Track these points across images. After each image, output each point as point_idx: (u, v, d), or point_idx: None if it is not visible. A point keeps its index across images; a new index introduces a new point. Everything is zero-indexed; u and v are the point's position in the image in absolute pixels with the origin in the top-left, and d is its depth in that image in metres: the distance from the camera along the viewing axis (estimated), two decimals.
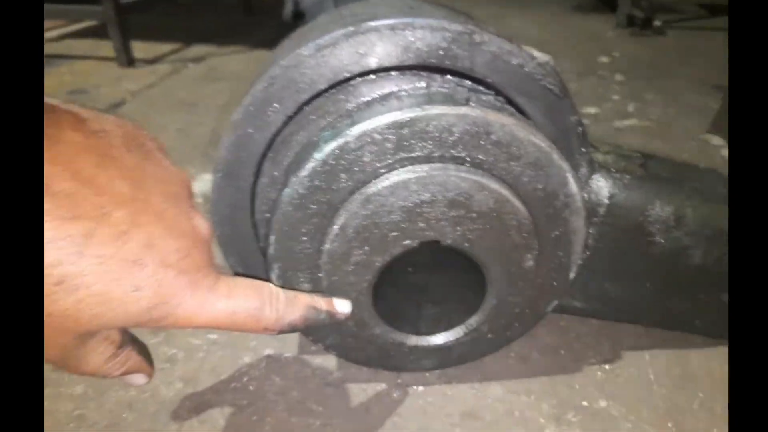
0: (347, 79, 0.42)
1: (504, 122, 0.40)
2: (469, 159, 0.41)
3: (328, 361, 0.57)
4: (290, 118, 0.43)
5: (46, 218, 0.24)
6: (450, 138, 0.40)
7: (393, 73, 0.43)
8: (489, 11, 2.30)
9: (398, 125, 0.39)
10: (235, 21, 2.13)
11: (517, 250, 0.45)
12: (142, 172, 0.29)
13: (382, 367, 0.54)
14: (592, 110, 1.26)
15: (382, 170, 0.41)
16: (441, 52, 0.42)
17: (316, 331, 0.50)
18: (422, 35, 0.41)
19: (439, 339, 0.50)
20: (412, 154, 0.41)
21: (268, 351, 0.59)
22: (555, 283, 0.49)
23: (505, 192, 0.42)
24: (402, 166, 0.41)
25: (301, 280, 0.46)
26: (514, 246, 0.45)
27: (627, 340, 0.60)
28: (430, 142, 0.40)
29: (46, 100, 0.27)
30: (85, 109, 0.29)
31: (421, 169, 0.41)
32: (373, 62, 0.41)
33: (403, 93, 0.42)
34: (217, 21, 2.13)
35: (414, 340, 0.50)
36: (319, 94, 0.43)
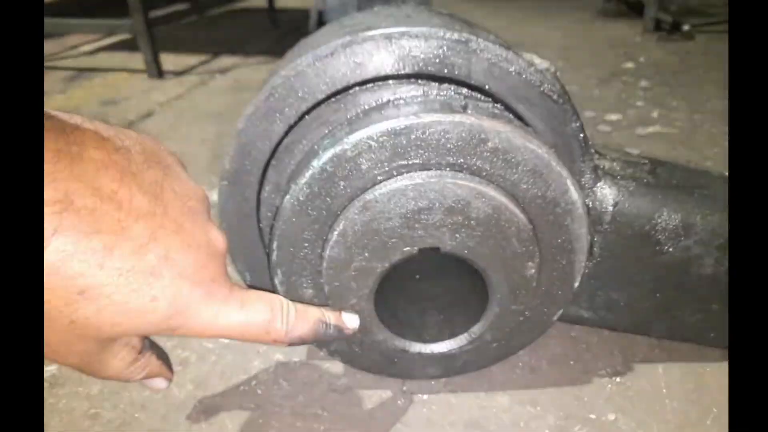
0: (346, 88, 0.43)
1: (500, 129, 0.40)
2: (466, 166, 0.41)
3: (336, 367, 0.58)
4: (292, 126, 0.44)
5: (69, 232, 0.25)
6: (446, 145, 0.41)
7: (390, 81, 0.43)
8: (513, 17, 2.29)
9: (394, 133, 0.40)
10: (261, 32, 2.18)
11: (517, 257, 0.45)
12: (160, 187, 0.30)
13: (386, 373, 0.54)
14: (614, 117, 1.24)
15: (380, 177, 0.41)
16: (437, 60, 0.42)
17: None
18: (417, 44, 0.41)
19: (442, 347, 0.50)
20: (409, 162, 0.41)
21: (278, 356, 0.60)
22: (559, 292, 0.49)
23: (503, 199, 0.42)
24: (399, 174, 0.41)
25: (304, 285, 0.47)
26: (515, 253, 0.44)
27: (640, 352, 0.59)
28: (426, 149, 0.41)
29: (70, 117, 0.29)
30: (107, 126, 0.30)
31: (418, 177, 0.41)
32: (370, 71, 0.42)
33: (400, 101, 0.43)
34: (244, 32, 2.19)
35: (417, 347, 0.50)
36: (319, 103, 0.44)
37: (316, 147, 0.43)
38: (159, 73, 1.59)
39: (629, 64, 1.62)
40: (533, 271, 0.46)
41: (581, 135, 0.46)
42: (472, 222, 0.43)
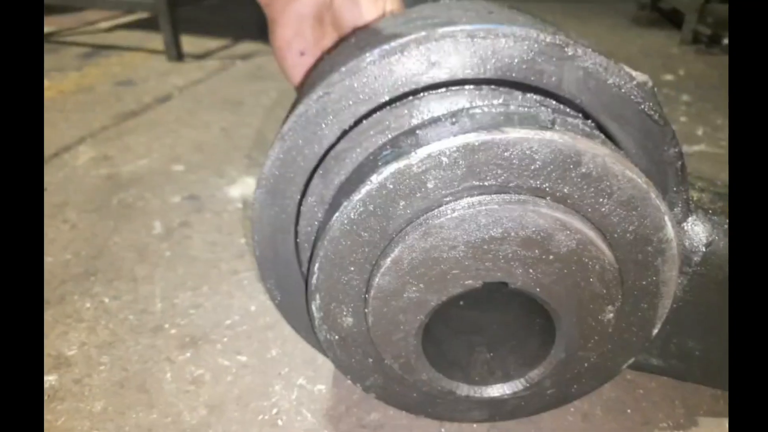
0: (414, 92, 0.37)
1: (596, 152, 0.34)
2: (550, 192, 0.35)
3: (365, 399, 0.52)
4: (346, 132, 0.38)
5: None
6: (531, 167, 0.34)
7: (467, 87, 0.37)
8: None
9: (471, 149, 0.34)
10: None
11: (596, 300, 0.38)
12: None
13: (426, 414, 0.48)
14: None
15: (448, 199, 0.35)
16: (524, 66, 0.36)
17: (356, 371, 0.44)
18: (505, 45, 0.35)
19: (494, 391, 0.44)
20: (484, 183, 0.35)
21: (301, 381, 0.54)
22: (634, 339, 0.42)
23: (590, 233, 0.36)
24: (471, 196, 0.35)
25: (345, 313, 0.41)
26: (594, 295, 0.38)
27: (703, 403, 0.53)
28: (506, 170, 0.34)
29: None
30: None
31: (494, 201, 0.35)
32: (444, 73, 0.36)
33: (477, 111, 0.36)
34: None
35: (465, 390, 0.44)
36: (380, 107, 0.37)
37: (373, 158, 0.37)
38: (179, 55, 1.53)
39: (669, 77, 1.55)
40: (611, 315, 0.39)
41: (679, 162, 0.39)
42: (551, 257, 0.36)
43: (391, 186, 0.35)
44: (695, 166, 1.04)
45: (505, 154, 0.34)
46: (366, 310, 0.39)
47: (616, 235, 0.37)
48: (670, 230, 0.37)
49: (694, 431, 0.50)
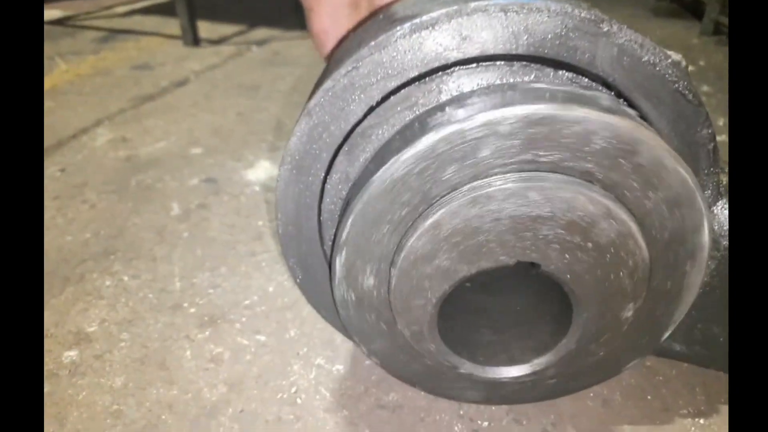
0: (443, 67, 0.36)
1: (654, 143, 0.33)
2: (600, 178, 0.34)
3: (384, 380, 0.52)
4: (372, 108, 0.38)
5: None
6: (586, 149, 0.33)
7: (498, 62, 0.36)
8: None
9: (532, 121, 0.32)
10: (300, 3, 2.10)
11: (620, 295, 0.38)
12: None
13: (422, 387, 0.47)
14: None
15: (499, 170, 0.34)
16: (558, 42, 0.35)
17: (365, 333, 0.44)
18: (539, 20, 0.34)
19: (497, 372, 0.43)
20: (539, 159, 0.34)
21: (319, 361, 0.54)
22: (642, 342, 0.42)
23: (633, 226, 0.35)
24: (522, 170, 0.34)
25: (368, 272, 0.40)
26: (620, 290, 0.37)
27: (723, 390, 0.52)
28: (563, 148, 0.33)
29: None
30: None
31: (548, 178, 0.34)
32: (475, 48, 0.35)
33: (537, 85, 0.35)
34: (283, 3, 2.11)
35: (469, 368, 0.43)
36: (408, 83, 0.37)
37: (399, 137, 0.37)
38: (195, 40, 1.53)
39: (690, 67, 1.53)
40: (630, 314, 0.39)
41: (712, 144, 0.39)
42: (589, 244, 0.35)
43: (444, 148, 0.33)
44: None
45: (565, 131, 0.33)
46: (392, 271, 0.39)
47: (653, 232, 0.36)
48: (706, 235, 0.36)
49: (714, 418, 0.50)
